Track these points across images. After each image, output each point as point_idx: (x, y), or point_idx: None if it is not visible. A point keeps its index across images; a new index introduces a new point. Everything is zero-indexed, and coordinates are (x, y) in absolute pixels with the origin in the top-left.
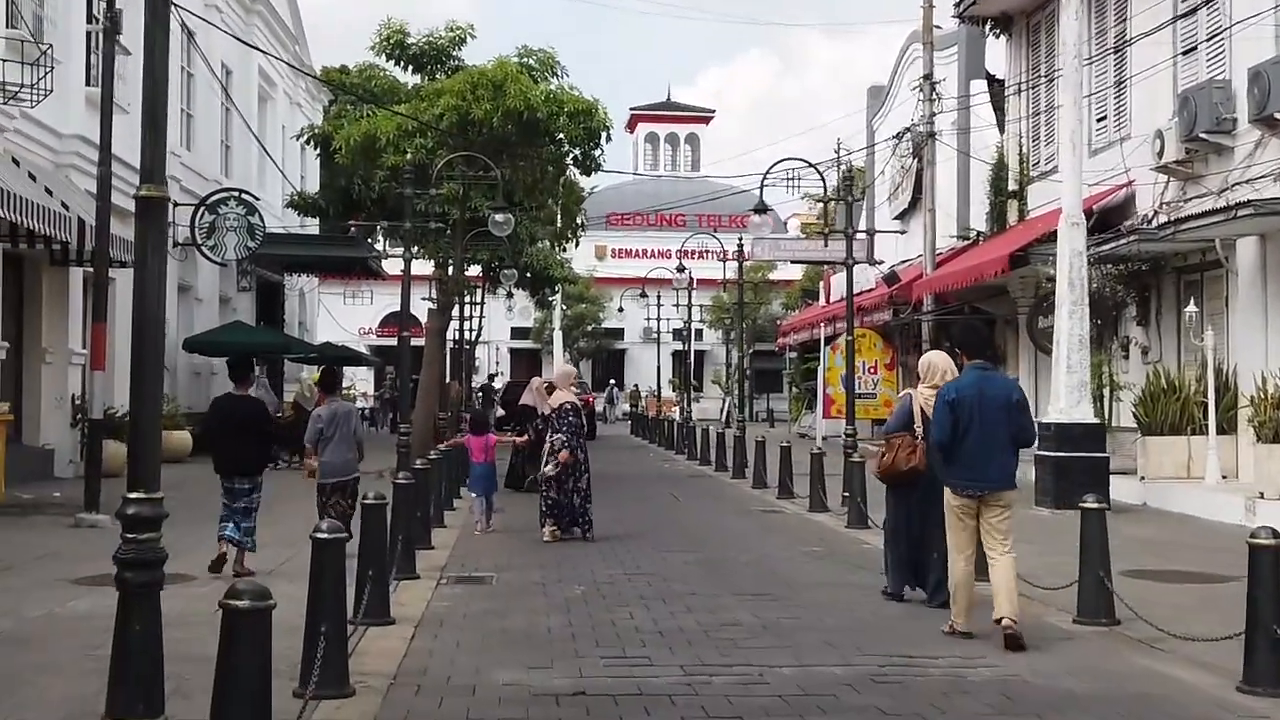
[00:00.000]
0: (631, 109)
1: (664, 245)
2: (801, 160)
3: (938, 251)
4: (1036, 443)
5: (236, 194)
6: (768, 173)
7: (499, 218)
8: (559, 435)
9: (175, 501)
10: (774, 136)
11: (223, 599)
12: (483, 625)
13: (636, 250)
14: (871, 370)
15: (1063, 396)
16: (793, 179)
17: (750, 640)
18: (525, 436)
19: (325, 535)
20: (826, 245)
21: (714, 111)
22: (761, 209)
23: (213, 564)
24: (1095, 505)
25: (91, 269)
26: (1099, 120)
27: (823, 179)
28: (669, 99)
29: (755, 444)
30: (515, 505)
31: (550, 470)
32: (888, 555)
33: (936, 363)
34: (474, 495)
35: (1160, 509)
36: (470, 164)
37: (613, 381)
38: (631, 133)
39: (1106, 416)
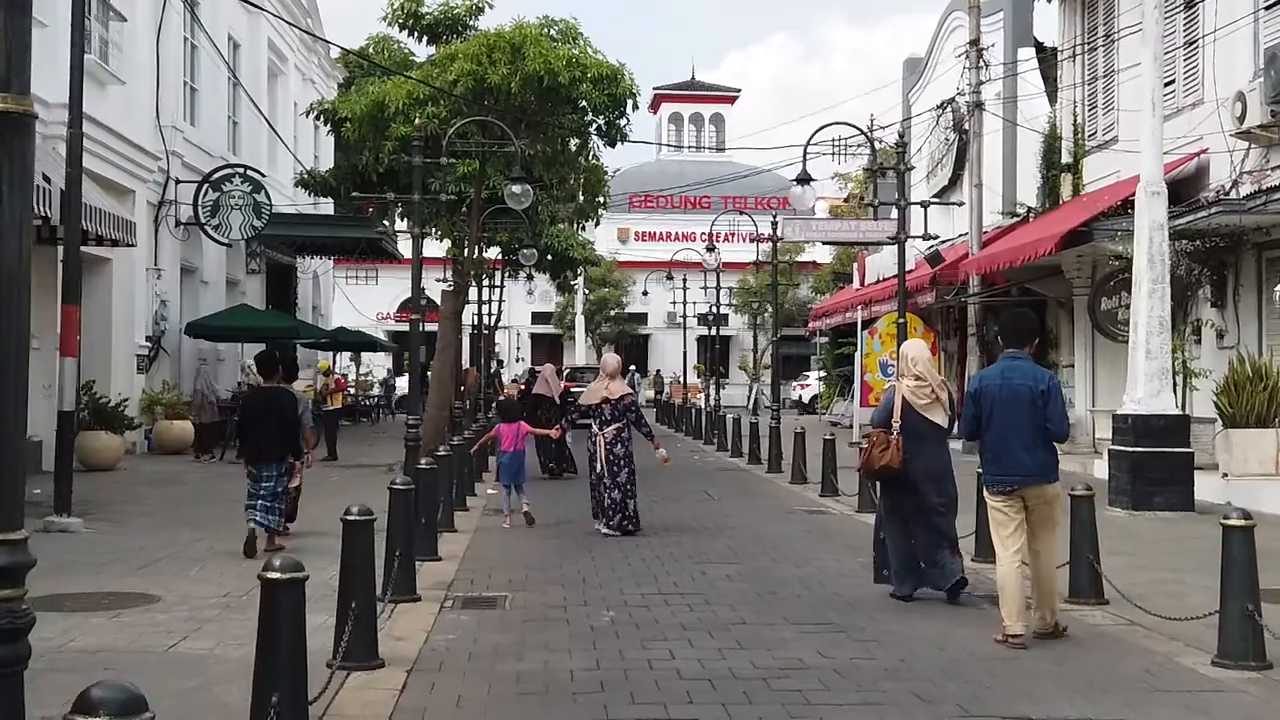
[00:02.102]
0: (655, 89)
1: (688, 228)
2: (850, 125)
3: (983, 230)
4: (1112, 438)
5: (241, 170)
6: (811, 139)
7: (516, 189)
8: (612, 427)
9: (165, 499)
10: (797, 119)
11: (68, 714)
12: (491, 668)
13: (660, 233)
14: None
15: (1140, 385)
16: (837, 147)
17: (821, 693)
18: (559, 430)
19: (277, 575)
20: (876, 218)
21: (739, 91)
22: (804, 179)
23: (245, 546)
24: (1241, 522)
25: (84, 246)
26: (1166, 85)
27: (871, 143)
28: (693, 78)
29: (795, 435)
30: (539, 497)
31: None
32: (880, 554)
33: (908, 354)
34: (502, 485)
35: (1247, 509)
36: (486, 134)
37: (633, 367)
38: (655, 113)
39: (1180, 406)
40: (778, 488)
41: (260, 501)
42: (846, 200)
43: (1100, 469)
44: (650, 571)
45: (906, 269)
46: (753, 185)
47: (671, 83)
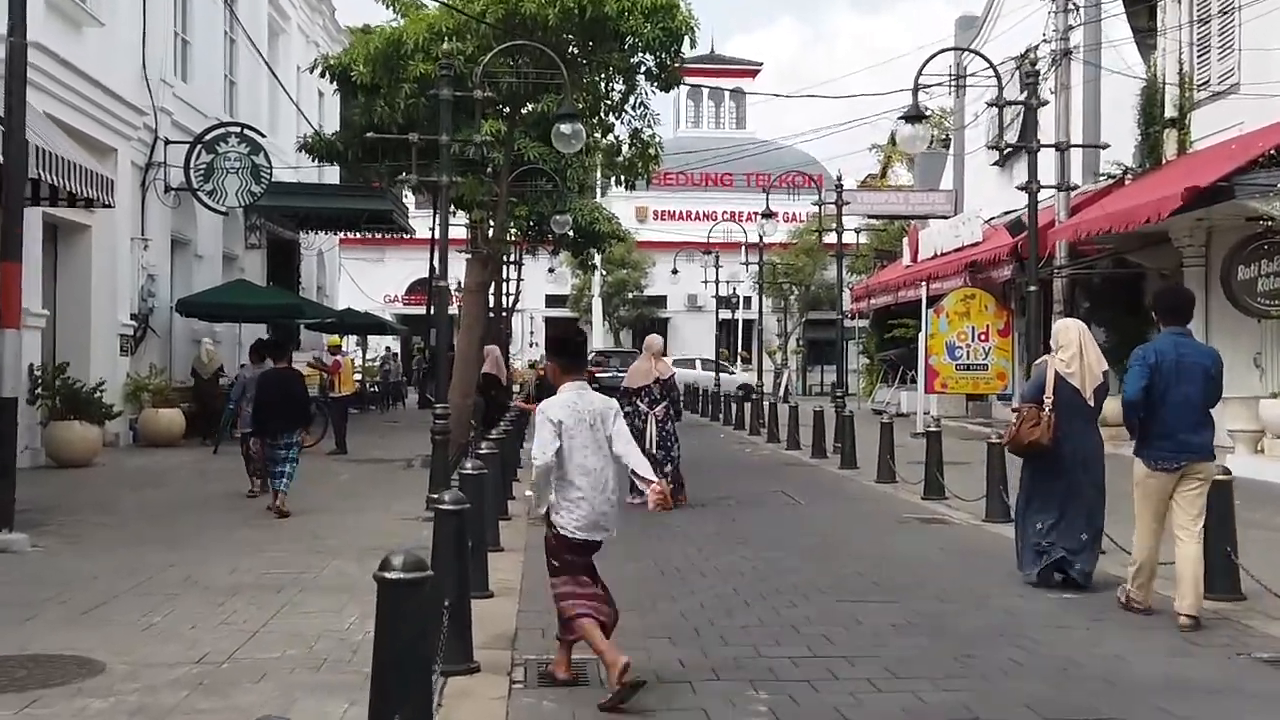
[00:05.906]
0: None
1: (709, 206)
2: (972, 51)
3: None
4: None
5: (238, 129)
6: (923, 68)
7: (565, 129)
8: (661, 405)
9: (143, 504)
10: (811, 94)
11: None
12: None
13: (680, 212)
14: (982, 337)
15: None
16: (953, 79)
17: None
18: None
19: None
20: (1003, 165)
21: (761, 64)
22: (915, 116)
23: (270, 506)
24: None
25: (54, 207)
26: None
27: (998, 77)
28: (713, 51)
29: (881, 427)
30: None
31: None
32: (1018, 537)
33: (1057, 335)
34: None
35: None
36: (518, 74)
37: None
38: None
39: None
40: (863, 488)
41: (281, 468)
42: (867, 179)
43: (1232, 463)
44: (781, 616)
45: (971, 243)
46: (776, 160)
47: (690, 55)
